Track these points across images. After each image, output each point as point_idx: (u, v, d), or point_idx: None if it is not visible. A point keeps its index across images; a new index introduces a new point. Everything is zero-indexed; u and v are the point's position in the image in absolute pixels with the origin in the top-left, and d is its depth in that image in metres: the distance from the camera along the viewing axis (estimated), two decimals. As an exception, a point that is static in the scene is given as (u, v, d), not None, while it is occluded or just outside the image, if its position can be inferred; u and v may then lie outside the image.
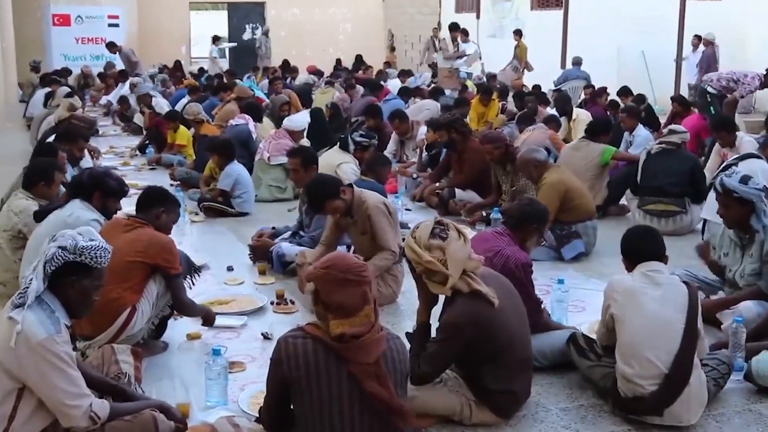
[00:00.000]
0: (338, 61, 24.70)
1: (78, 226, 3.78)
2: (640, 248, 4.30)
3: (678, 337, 4.00)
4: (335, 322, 3.15)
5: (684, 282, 4.26)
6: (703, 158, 9.71)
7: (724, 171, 7.09)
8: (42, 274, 3.35)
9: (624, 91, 13.94)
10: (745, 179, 5.18)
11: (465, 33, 18.41)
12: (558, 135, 11.01)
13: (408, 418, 3.28)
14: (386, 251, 5.74)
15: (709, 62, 16.90)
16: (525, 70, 18.65)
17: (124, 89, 16.81)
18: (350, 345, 3.13)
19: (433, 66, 19.65)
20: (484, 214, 8.00)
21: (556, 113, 12.00)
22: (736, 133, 8.76)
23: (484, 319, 3.89)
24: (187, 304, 4.99)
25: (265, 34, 24.16)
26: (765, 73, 10.53)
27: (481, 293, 3.90)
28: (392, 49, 27.26)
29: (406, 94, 14.83)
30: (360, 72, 21.35)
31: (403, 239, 5.85)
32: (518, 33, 19.03)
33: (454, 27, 18.10)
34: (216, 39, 23.87)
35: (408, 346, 4.27)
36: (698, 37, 17.31)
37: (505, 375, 4.01)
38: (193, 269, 5.37)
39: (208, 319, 5.23)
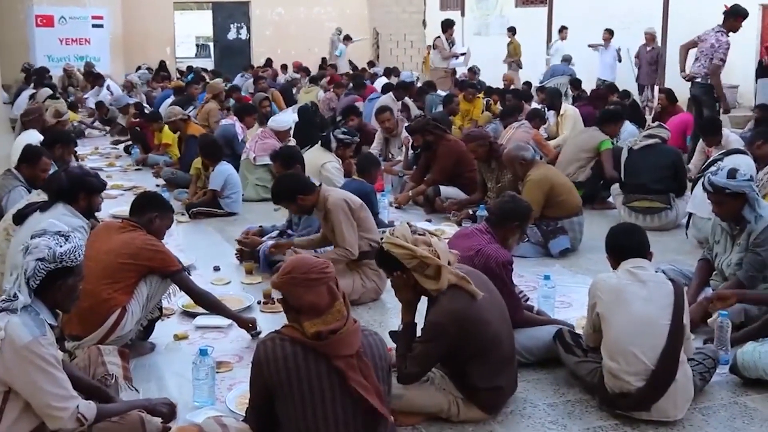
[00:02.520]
0: (323, 60, 24.66)
1: None
2: (625, 245, 4.33)
3: (664, 334, 4.02)
4: (308, 322, 3.15)
5: (670, 279, 4.30)
6: (686, 155, 9.76)
7: (709, 167, 7.16)
8: (26, 288, 3.33)
9: (611, 88, 14.06)
10: (732, 173, 5.23)
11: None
12: (541, 132, 11.06)
13: (388, 413, 3.28)
14: (340, 248, 5.80)
15: (655, 59, 17.13)
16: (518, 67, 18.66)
17: (102, 93, 16.77)
18: (330, 341, 3.13)
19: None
20: (471, 212, 8.01)
21: (538, 107, 12.01)
22: (722, 130, 8.82)
23: (468, 318, 3.90)
24: (202, 294, 5.01)
25: (345, 37, 23.24)
26: (723, 21, 10.52)
27: (465, 287, 3.92)
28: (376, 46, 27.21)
29: (390, 90, 14.75)
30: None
31: (382, 231, 5.91)
32: (512, 30, 18.98)
33: (447, 25, 17.51)
34: (347, 38, 23.17)
35: (393, 345, 4.30)
36: (609, 32, 17.65)
37: (491, 372, 4.02)
38: (183, 270, 5.35)
39: (244, 323, 5.19)
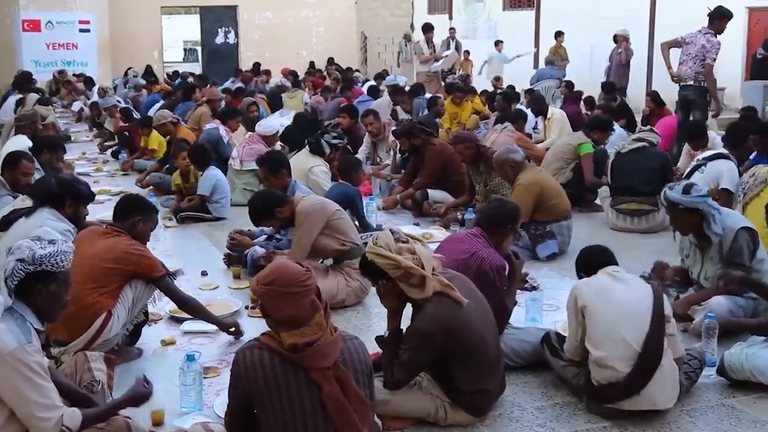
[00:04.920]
0: (311, 63, 24.67)
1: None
2: (595, 261, 4.43)
3: (647, 319, 4.09)
4: (286, 333, 3.14)
5: (648, 282, 4.41)
6: (671, 156, 9.80)
7: (692, 173, 7.20)
8: (6, 289, 3.32)
9: (607, 88, 14.20)
10: (687, 189, 5.25)
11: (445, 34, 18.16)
12: (524, 134, 11.06)
13: (368, 421, 3.28)
14: (292, 250, 5.84)
15: (627, 60, 17.24)
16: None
17: (93, 97, 16.71)
18: (305, 353, 3.12)
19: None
20: (460, 216, 8.00)
21: (522, 109, 12.01)
22: (708, 133, 8.85)
23: (454, 325, 3.90)
24: (186, 299, 5.00)
25: (407, 38, 22.98)
26: (708, 23, 10.61)
27: (450, 294, 3.92)
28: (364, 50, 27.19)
29: (375, 93, 14.77)
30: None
31: (370, 235, 5.92)
32: (560, 33, 18.56)
33: (427, 28, 17.55)
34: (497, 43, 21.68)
35: (378, 349, 4.29)
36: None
37: (477, 375, 4.02)
38: (168, 276, 5.34)
39: (226, 328, 5.19)
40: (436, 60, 17.46)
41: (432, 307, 3.90)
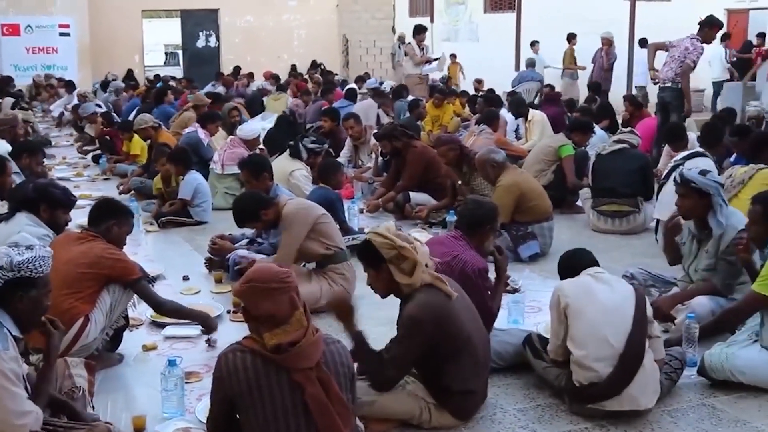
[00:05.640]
0: (293, 67, 24.65)
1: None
2: (577, 263, 4.45)
3: (629, 319, 4.10)
4: (268, 334, 3.13)
5: (630, 284, 4.44)
6: (651, 158, 9.85)
7: (671, 173, 7.23)
8: None
9: (593, 88, 14.30)
10: (704, 172, 5.34)
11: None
12: (502, 134, 11.09)
13: (350, 424, 3.28)
14: (279, 254, 5.84)
15: (610, 64, 17.37)
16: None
17: (73, 101, 16.64)
18: (289, 354, 3.12)
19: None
20: (446, 219, 7.99)
21: (494, 109, 11.99)
22: (688, 134, 8.91)
23: (443, 314, 3.92)
24: (162, 303, 4.97)
25: (401, 40, 22.32)
26: (698, 30, 10.75)
27: (440, 287, 3.95)
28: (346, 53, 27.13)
29: (352, 96, 14.74)
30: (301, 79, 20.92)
31: (352, 238, 6.06)
32: (572, 36, 18.34)
33: (419, 30, 17.04)
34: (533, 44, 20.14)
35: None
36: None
37: (465, 374, 4.02)
38: (148, 280, 5.32)
39: (207, 326, 5.17)
40: (428, 62, 17.36)
41: (422, 295, 3.93)
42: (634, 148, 8.40)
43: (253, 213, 5.87)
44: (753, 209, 4.69)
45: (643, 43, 15.68)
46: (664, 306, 5.17)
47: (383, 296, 4.15)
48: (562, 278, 4.50)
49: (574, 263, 4.46)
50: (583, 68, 18.05)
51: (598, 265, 4.44)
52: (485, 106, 12.33)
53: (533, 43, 18.79)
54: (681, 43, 10.62)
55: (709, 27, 10.62)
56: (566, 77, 18.24)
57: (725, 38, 16.46)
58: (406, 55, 17.09)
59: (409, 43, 17.23)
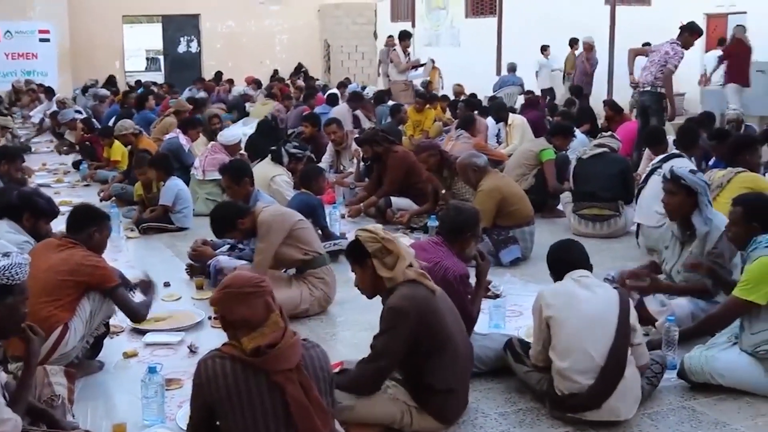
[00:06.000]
0: (275, 72, 24.62)
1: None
2: (565, 259, 4.43)
3: (612, 332, 4.09)
4: (246, 338, 3.14)
5: (614, 287, 4.42)
6: (631, 162, 9.90)
7: (649, 176, 7.28)
8: None
9: (575, 92, 14.36)
10: (693, 171, 5.42)
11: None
12: (481, 138, 11.12)
13: (330, 426, 3.28)
14: (256, 262, 5.85)
15: (592, 69, 17.46)
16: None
17: (53, 107, 16.56)
18: (268, 356, 3.12)
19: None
20: (428, 224, 7.99)
21: (472, 114, 12.01)
22: (668, 138, 8.96)
23: (427, 307, 3.94)
24: (136, 310, 4.95)
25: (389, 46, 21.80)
26: (678, 35, 10.87)
27: (424, 282, 3.99)
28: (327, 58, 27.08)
29: (333, 102, 14.73)
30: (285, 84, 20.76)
31: (333, 243, 6.13)
32: (575, 41, 18.16)
33: (404, 36, 17.01)
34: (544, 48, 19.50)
35: (340, 359, 4.29)
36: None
37: (447, 373, 4.01)
38: (128, 287, 5.29)
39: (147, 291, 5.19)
40: (416, 68, 17.29)
41: (405, 288, 3.95)
42: (614, 152, 8.44)
43: (231, 223, 5.88)
44: (734, 210, 4.72)
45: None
46: (657, 289, 5.27)
47: (370, 296, 4.16)
48: (550, 269, 4.50)
49: (562, 257, 4.44)
50: (593, 67, 18.06)
51: (588, 259, 4.42)
52: (466, 110, 12.35)
53: (544, 48, 18.79)
54: (661, 47, 10.73)
55: (689, 33, 10.74)
56: (569, 81, 18.29)
57: (722, 43, 16.59)
58: (391, 61, 16.99)
59: (395, 49, 17.15)
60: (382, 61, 18.28)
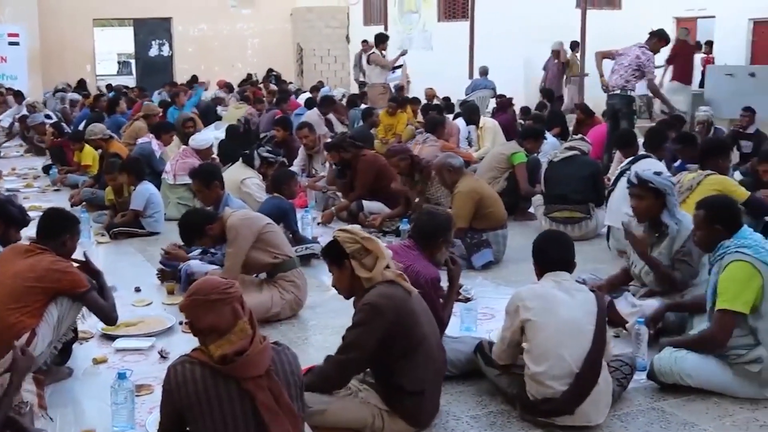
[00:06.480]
0: (249, 75, 24.53)
1: None
2: (550, 254, 4.40)
3: (588, 338, 4.10)
4: (213, 345, 3.13)
5: (591, 291, 4.41)
6: (602, 164, 9.97)
7: (619, 178, 7.33)
8: None
9: (546, 94, 14.46)
10: (658, 173, 5.45)
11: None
12: (465, 147, 11.17)
13: (302, 428, 3.28)
14: (225, 268, 5.83)
15: (562, 71, 17.70)
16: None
17: (23, 111, 16.40)
18: (235, 364, 3.11)
19: (362, 83, 18.17)
20: (400, 227, 7.99)
21: (437, 116, 12.00)
22: (638, 141, 9.03)
23: (403, 307, 3.94)
24: (109, 313, 4.89)
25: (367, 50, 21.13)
26: (647, 39, 11.07)
27: (401, 283, 4.00)
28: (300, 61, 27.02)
29: (312, 105, 14.70)
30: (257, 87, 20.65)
31: (305, 247, 6.14)
32: (576, 44, 17.67)
33: (381, 39, 16.70)
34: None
35: (311, 363, 4.27)
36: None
37: (419, 374, 4.01)
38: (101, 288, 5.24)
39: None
40: (394, 70, 17.20)
41: (383, 286, 3.96)
42: (585, 155, 8.49)
43: (199, 230, 5.86)
44: (697, 214, 4.73)
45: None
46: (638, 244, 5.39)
47: (347, 297, 4.16)
48: (533, 258, 4.46)
49: (550, 253, 4.39)
50: (587, 75, 18.07)
51: (573, 257, 4.40)
52: (437, 114, 12.39)
53: (575, 45, 18.82)
54: (629, 51, 10.84)
55: (658, 39, 11.01)
56: (571, 84, 18.37)
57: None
58: (369, 63, 16.85)
59: (374, 51, 17.07)
60: (357, 65, 18.17)
